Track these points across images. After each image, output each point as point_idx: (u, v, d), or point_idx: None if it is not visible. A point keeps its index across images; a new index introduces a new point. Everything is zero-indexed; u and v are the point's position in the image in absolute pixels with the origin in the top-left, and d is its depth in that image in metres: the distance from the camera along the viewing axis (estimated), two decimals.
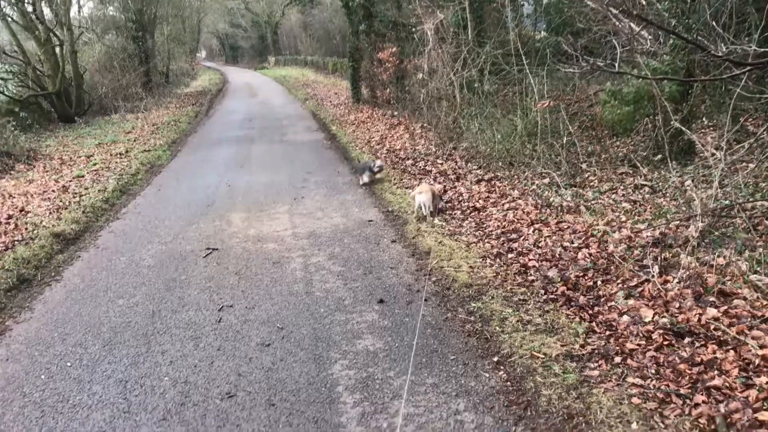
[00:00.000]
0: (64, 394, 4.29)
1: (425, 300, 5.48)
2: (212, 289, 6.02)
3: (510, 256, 6.29)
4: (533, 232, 6.86)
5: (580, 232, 6.68)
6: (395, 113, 16.60)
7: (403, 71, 16.81)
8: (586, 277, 5.54)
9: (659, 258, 5.47)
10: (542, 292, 5.35)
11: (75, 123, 19.19)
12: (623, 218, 6.95)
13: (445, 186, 9.14)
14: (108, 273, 6.62)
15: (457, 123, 12.30)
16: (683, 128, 6.95)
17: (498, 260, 6.20)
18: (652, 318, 4.59)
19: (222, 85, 36.75)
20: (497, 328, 4.79)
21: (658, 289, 4.99)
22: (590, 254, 6.04)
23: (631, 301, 4.92)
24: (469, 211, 7.96)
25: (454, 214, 7.91)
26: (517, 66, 11.06)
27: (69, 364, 4.71)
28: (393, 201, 8.69)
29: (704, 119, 10.34)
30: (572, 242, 6.44)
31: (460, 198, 8.53)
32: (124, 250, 7.35)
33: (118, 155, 13.42)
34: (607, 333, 4.54)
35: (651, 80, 7.96)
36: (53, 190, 10.35)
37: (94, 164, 12.40)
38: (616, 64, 5.72)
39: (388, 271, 6.25)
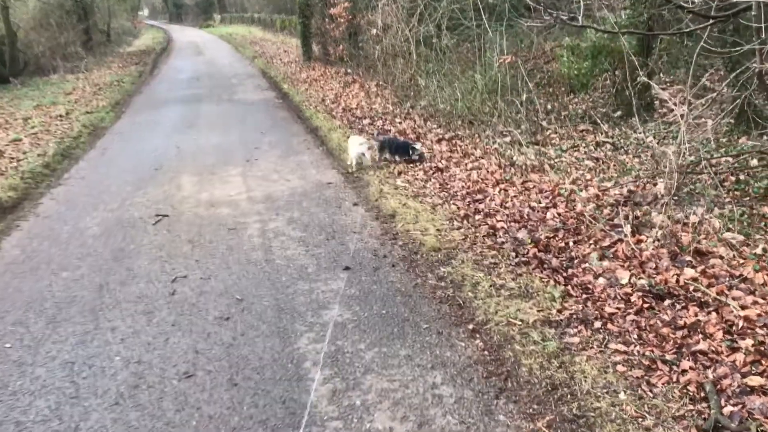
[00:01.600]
0: (2, 380, 3.89)
1: (392, 265, 5.24)
2: (164, 258, 5.64)
3: (477, 217, 6.07)
4: (499, 192, 6.66)
5: (546, 191, 6.52)
6: (349, 71, 16.14)
7: (356, 27, 16.33)
8: (556, 238, 5.37)
9: (630, 217, 5.33)
10: (513, 254, 5.15)
11: (10, 84, 18.12)
12: (588, 176, 6.81)
13: None
14: (50, 243, 6.16)
15: (414, 81, 11.97)
16: (651, 82, 6.79)
17: (465, 222, 5.98)
18: (629, 279, 4.45)
19: (166, 44, 35.37)
20: (470, 293, 4.58)
21: (632, 249, 4.85)
22: (559, 214, 5.88)
23: (605, 263, 4.77)
24: (431, 171, 7.70)
25: (417, 174, 7.65)
26: (476, 21, 10.73)
27: (8, 345, 4.30)
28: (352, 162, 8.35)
29: (662, 75, 10.28)
30: (539, 202, 6.28)
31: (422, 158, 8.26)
32: (68, 218, 6.87)
33: (59, 117, 12.65)
34: (584, 296, 4.38)
35: (612, 35, 7.78)
36: None
37: (33, 127, 11.65)
38: (580, 18, 5.49)
39: (352, 235, 5.96)
